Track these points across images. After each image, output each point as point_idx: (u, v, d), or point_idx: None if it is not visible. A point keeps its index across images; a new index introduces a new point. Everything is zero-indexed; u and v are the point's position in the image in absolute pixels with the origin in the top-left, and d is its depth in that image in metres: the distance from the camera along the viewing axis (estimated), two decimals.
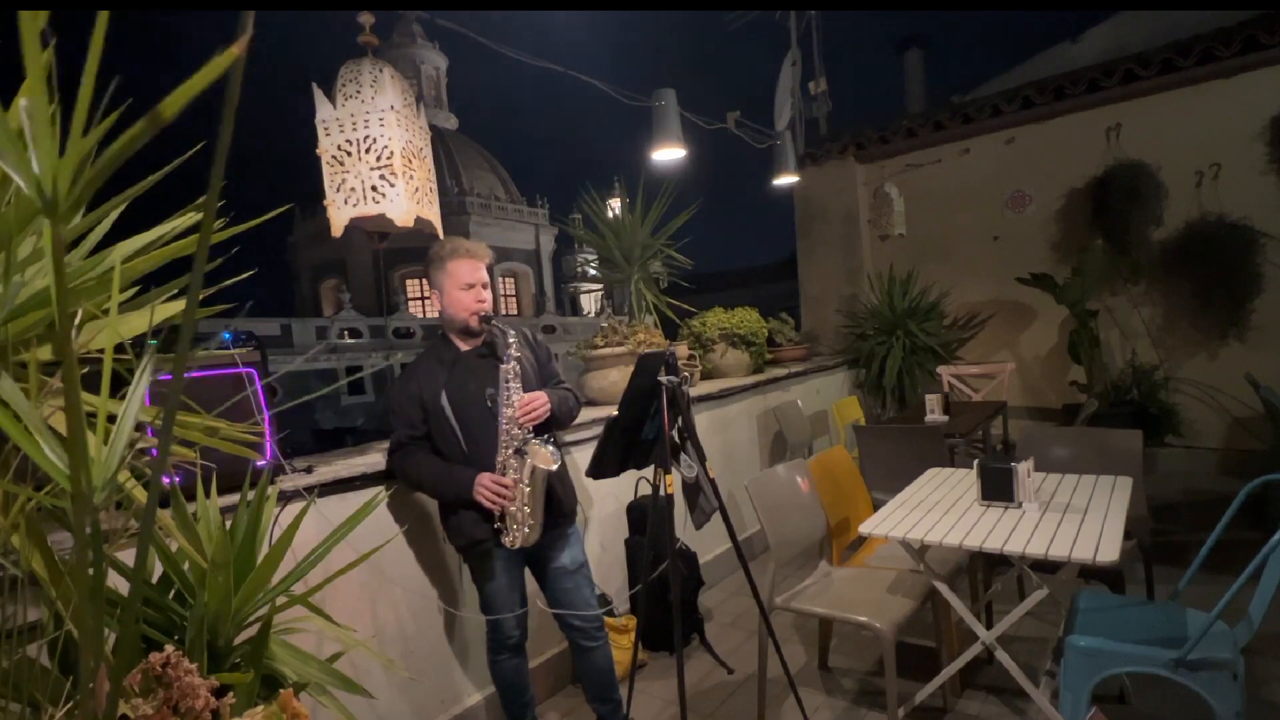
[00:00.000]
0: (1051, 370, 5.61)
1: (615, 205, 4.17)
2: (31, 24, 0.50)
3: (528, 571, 2.23)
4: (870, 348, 5.51)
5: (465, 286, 2.10)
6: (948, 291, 5.74)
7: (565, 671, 2.84)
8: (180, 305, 1.12)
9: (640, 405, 2.05)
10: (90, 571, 0.72)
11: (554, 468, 2.00)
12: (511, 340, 2.05)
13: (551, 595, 2.22)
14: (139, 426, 0.92)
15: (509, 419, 2.00)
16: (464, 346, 2.15)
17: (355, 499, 2.06)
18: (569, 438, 2.89)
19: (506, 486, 1.97)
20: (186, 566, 1.33)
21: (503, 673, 2.22)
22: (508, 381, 2.02)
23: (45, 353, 0.95)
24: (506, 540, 2.02)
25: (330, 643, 1.88)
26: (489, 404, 2.05)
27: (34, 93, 0.51)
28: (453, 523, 2.11)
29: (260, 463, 1.79)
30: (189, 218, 1.11)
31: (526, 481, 1.99)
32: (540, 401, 2.03)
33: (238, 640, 1.34)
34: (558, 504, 2.12)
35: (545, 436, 2.07)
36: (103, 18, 0.50)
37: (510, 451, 1.99)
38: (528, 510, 2.00)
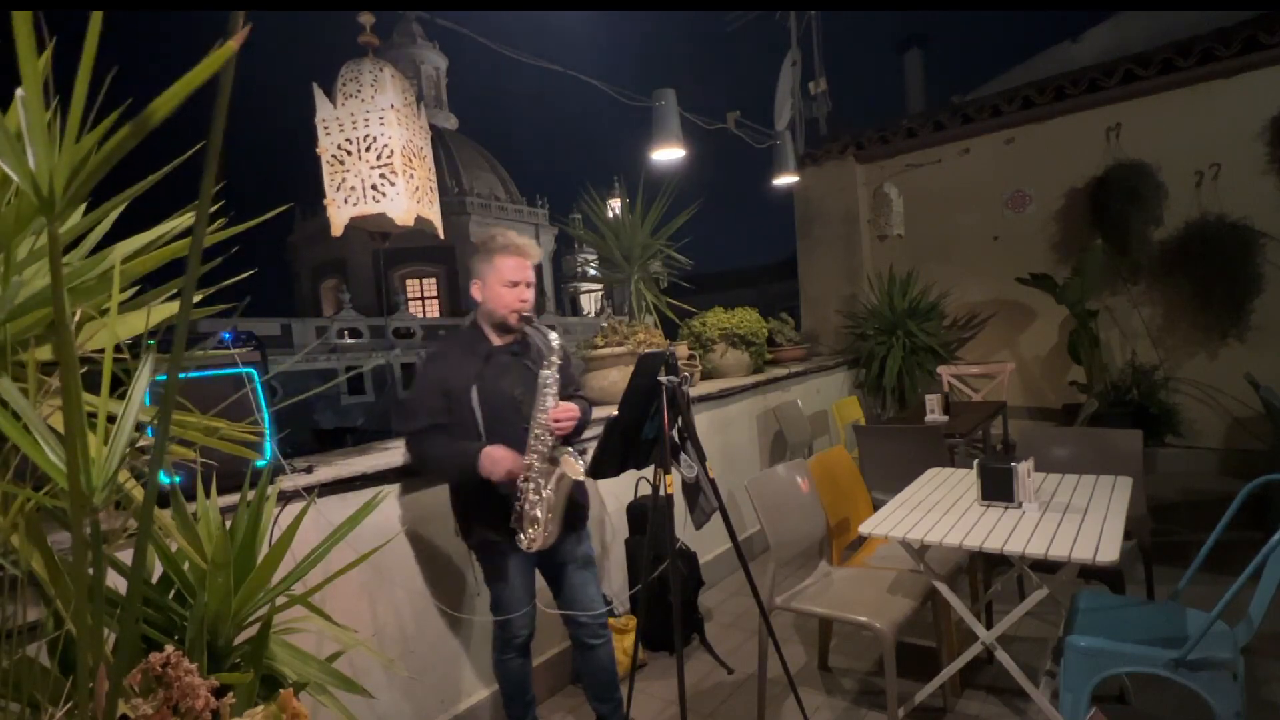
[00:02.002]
0: (1051, 370, 5.61)
1: (615, 205, 4.17)
2: (26, 23, 0.49)
3: (536, 571, 2.24)
4: (870, 348, 5.51)
5: (510, 284, 2.07)
6: (948, 291, 5.74)
7: (565, 672, 2.83)
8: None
9: (640, 405, 2.04)
10: (90, 571, 0.72)
11: (582, 478, 2.01)
12: (555, 346, 2.05)
13: (560, 591, 2.22)
14: (139, 426, 0.92)
15: (542, 425, 1.99)
16: (496, 341, 2.14)
17: (355, 499, 2.06)
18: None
19: (518, 459, 1.97)
20: (186, 566, 1.33)
21: (508, 672, 2.22)
22: (546, 387, 2.02)
23: (44, 353, 0.95)
24: (523, 543, 2.03)
25: (330, 643, 1.88)
26: (518, 404, 2.06)
27: (30, 92, 0.51)
28: (470, 521, 2.10)
29: (260, 463, 1.79)
30: (188, 217, 1.11)
31: (552, 488, 2.00)
32: (574, 414, 2.03)
33: (238, 640, 1.34)
34: (577, 508, 2.15)
35: (572, 447, 2.08)
36: (96, 18, 0.50)
37: (538, 456, 2.00)
38: (549, 516, 2.01)
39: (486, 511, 2.05)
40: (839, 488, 2.82)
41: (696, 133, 5.24)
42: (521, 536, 2.02)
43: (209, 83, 0.53)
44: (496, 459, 1.95)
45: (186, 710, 0.91)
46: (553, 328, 2.13)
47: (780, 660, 2.23)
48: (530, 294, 2.12)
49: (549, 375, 2.01)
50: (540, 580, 2.25)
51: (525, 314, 2.10)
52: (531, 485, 2.00)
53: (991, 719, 2.36)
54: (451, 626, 2.41)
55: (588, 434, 2.94)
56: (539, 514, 1.99)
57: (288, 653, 1.36)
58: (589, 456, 2.05)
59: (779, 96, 6.35)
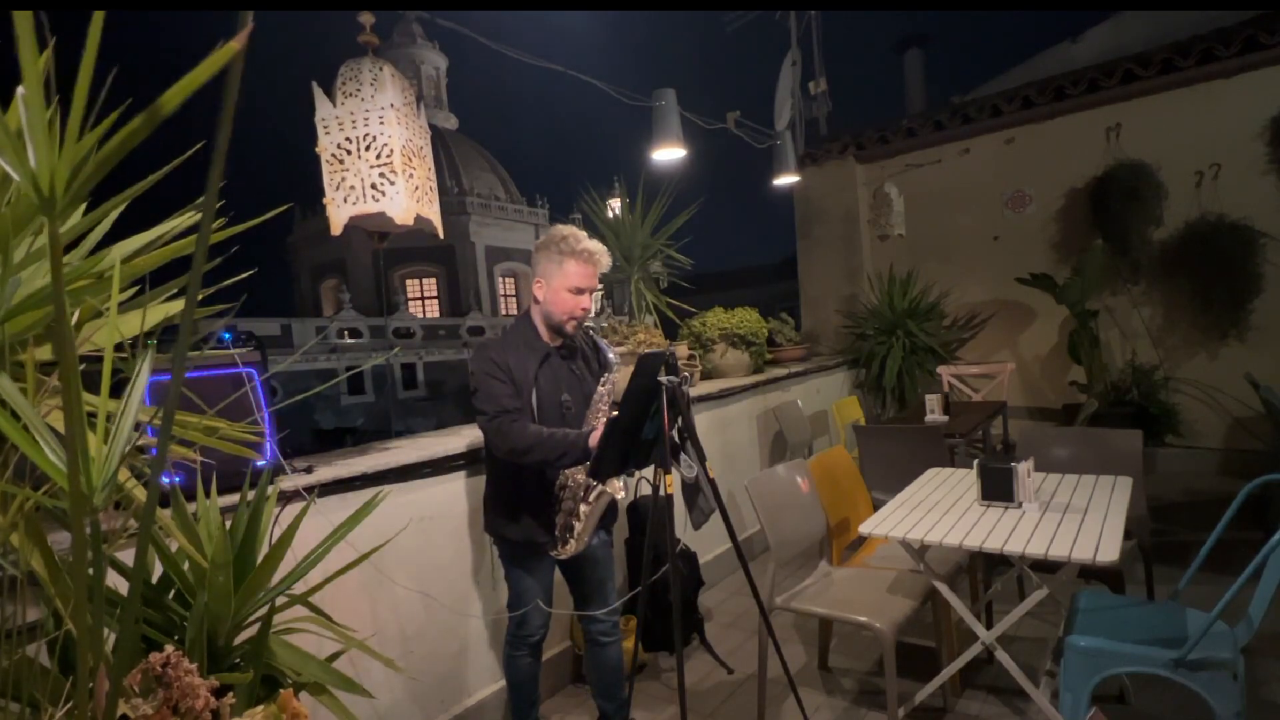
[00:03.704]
0: (1051, 370, 5.61)
1: (615, 205, 4.16)
2: (26, 23, 0.49)
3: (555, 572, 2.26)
4: (870, 348, 5.51)
5: (575, 290, 2.05)
6: (948, 291, 5.74)
7: (566, 671, 2.84)
8: (180, 305, 1.12)
9: (640, 405, 2.04)
10: (90, 571, 0.72)
11: (620, 495, 2.04)
12: (613, 360, 2.06)
13: (579, 588, 2.24)
14: (138, 426, 0.92)
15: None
16: (549, 341, 2.12)
17: (355, 499, 2.06)
18: None
19: None
20: (186, 566, 1.33)
21: (518, 670, 2.23)
22: (600, 401, 2.04)
23: (44, 352, 0.95)
24: (556, 550, 2.05)
25: (330, 643, 1.88)
26: (565, 410, 2.06)
27: (31, 90, 0.51)
28: (508, 520, 2.09)
29: (260, 463, 1.79)
30: (189, 217, 1.11)
31: (592, 501, 2.02)
32: None
33: (238, 640, 1.34)
34: (607, 515, 2.17)
35: None
36: (98, 17, 0.50)
37: (583, 469, 2.01)
38: (584, 527, 2.04)
39: (529, 512, 2.06)
40: (839, 488, 2.82)
41: (696, 133, 5.23)
42: (560, 544, 2.05)
43: (211, 83, 0.52)
44: None
45: (186, 710, 0.91)
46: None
47: (780, 660, 2.23)
48: (590, 302, 2.09)
49: (604, 392, 2.04)
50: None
51: (583, 322, 2.10)
52: (573, 496, 2.03)
53: (991, 719, 2.36)
54: (452, 626, 2.41)
55: None
56: (575, 524, 2.03)
57: (288, 653, 1.36)
58: None
59: (779, 96, 6.34)
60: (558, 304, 2.06)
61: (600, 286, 2.15)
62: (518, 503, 2.08)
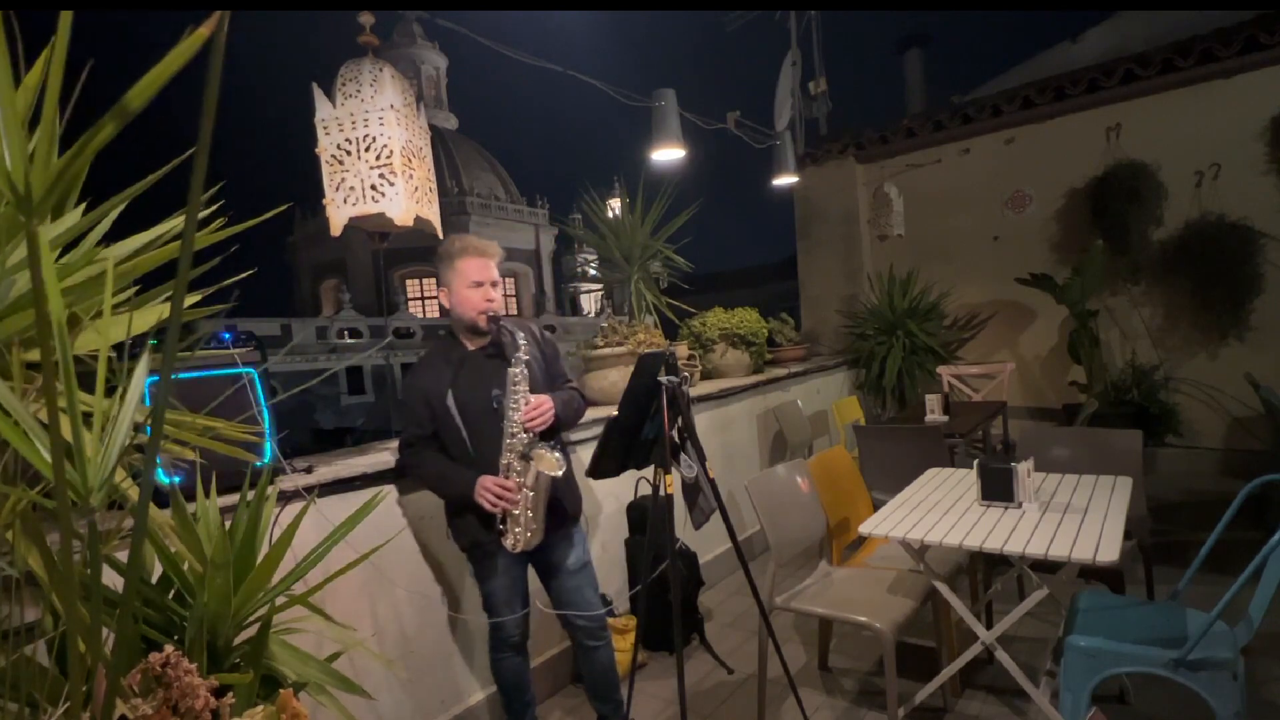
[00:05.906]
0: (1051, 370, 5.61)
1: (615, 205, 4.16)
2: None
3: (531, 571, 2.23)
4: (870, 348, 5.51)
5: (474, 285, 2.07)
6: (948, 291, 5.73)
7: (565, 671, 2.83)
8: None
9: (640, 405, 2.04)
10: (85, 570, 0.72)
11: (558, 474, 1.99)
12: (521, 342, 2.02)
13: (555, 595, 2.21)
14: (137, 427, 0.92)
15: (515, 423, 1.99)
16: (471, 346, 2.13)
17: (355, 499, 2.06)
18: (572, 437, 2.88)
19: (509, 489, 1.96)
20: (186, 566, 1.32)
21: (504, 671, 2.22)
22: (515, 385, 2.00)
23: (36, 354, 0.95)
24: (507, 543, 2.01)
25: (330, 643, 1.88)
26: (495, 405, 2.04)
27: (3, 89, 0.51)
28: (457, 523, 2.11)
29: (260, 463, 1.79)
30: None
31: (530, 486, 1.98)
32: (546, 407, 2.01)
33: (237, 640, 1.34)
34: (561, 506, 2.12)
35: (552, 442, 2.07)
36: (66, 17, 0.50)
37: (514, 455, 1.98)
38: (530, 515, 1.99)
39: (472, 513, 2.05)
40: (839, 488, 2.82)
41: (696, 133, 5.23)
42: (506, 537, 2.01)
43: (204, 80, 0.52)
44: (488, 487, 1.96)
45: (186, 710, 0.91)
46: (552, 328, 2.14)
47: (780, 660, 2.23)
48: (496, 293, 2.11)
49: (517, 373, 2.00)
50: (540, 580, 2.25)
51: (493, 314, 2.09)
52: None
53: (991, 719, 2.36)
54: (452, 626, 2.41)
55: (587, 433, 2.95)
56: (519, 513, 1.99)
57: (288, 653, 1.36)
58: (580, 452, 2.04)
59: (779, 96, 6.34)
60: (464, 303, 2.08)
61: (500, 280, 2.16)
62: (455, 505, 2.10)
